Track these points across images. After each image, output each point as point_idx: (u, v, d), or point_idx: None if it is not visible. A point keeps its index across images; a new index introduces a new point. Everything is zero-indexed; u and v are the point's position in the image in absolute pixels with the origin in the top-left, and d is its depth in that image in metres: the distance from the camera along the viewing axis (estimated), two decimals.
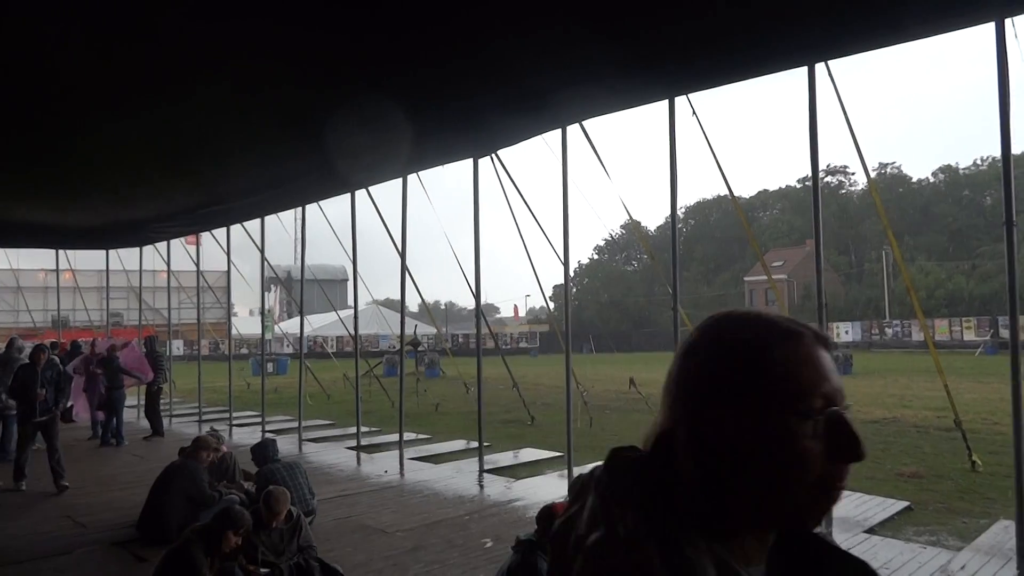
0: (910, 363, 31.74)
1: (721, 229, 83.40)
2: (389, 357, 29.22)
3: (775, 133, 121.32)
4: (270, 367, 29.57)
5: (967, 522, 7.03)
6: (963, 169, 75.97)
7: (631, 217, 11.54)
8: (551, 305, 38.20)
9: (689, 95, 8.02)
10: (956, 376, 20.12)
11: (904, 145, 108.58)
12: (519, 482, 9.16)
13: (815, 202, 7.15)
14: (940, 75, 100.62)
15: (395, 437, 11.89)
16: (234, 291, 18.58)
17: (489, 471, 9.84)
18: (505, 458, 10.90)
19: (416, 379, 22.15)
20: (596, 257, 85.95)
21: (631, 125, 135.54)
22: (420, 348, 28.48)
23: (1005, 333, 40.99)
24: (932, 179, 78.58)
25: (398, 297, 12.02)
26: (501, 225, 13.48)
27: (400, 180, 10.96)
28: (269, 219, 13.65)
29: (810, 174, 7.24)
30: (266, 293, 16.68)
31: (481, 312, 10.97)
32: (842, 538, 6.36)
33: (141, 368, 13.36)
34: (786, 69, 7.11)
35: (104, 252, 17.57)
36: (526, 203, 10.91)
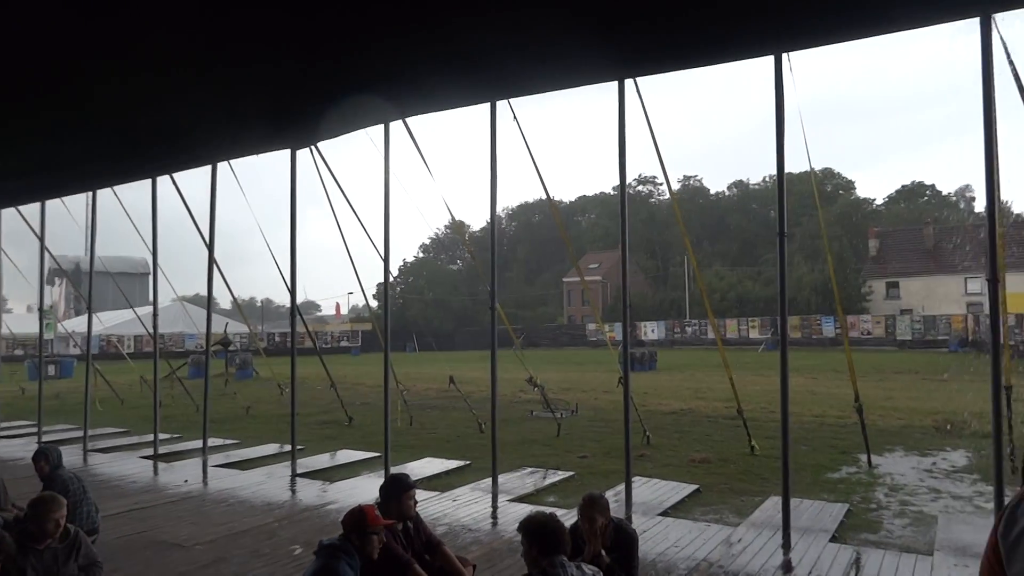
0: (706, 359, 34.92)
1: (543, 231, 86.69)
2: (195, 358, 27.18)
3: (595, 142, 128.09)
4: (51, 370, 26.40)
5: (745, 500, 7.85)
6: (753, 185, 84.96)
7: (453, 217, 11.66)
8: (373, 303, 37.39)
9: (510, 100, 8.25)
10: (742, 370, 22.41)
11: (705, 160, 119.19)
12: (335, 484, 8.91)
13: (622, 209, 7.64)
14: (737, 98, 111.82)
15: (199, 443, 11.08)
16: (7, 284, 16.34)
17: (302, 475, 9.47)
18: (321, 460, 10.55)
19: (225, 381, 20.82)
20: (421, 255, 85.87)
21: (458, 126, 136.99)
22: (231, 348, 26.78)
23: None
24: (727, 192, 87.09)
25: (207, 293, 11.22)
26: (324, 220, 13.06)
27: (209, 168, 10.24)
28: (51, 203, 12.18)
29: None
30: (48, 287, 14.82)
31: (297, 309, 10.53)
32: (639, 521, 6.84)
33: None
34: (597, 82, 7.53)
35: None
36: (347, 199, 10.67)
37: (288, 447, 10.52)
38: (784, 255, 6.72)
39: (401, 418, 13.71)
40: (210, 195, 10.32)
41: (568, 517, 6.83)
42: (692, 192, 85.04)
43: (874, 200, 76.10)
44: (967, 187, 77.76)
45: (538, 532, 3.49)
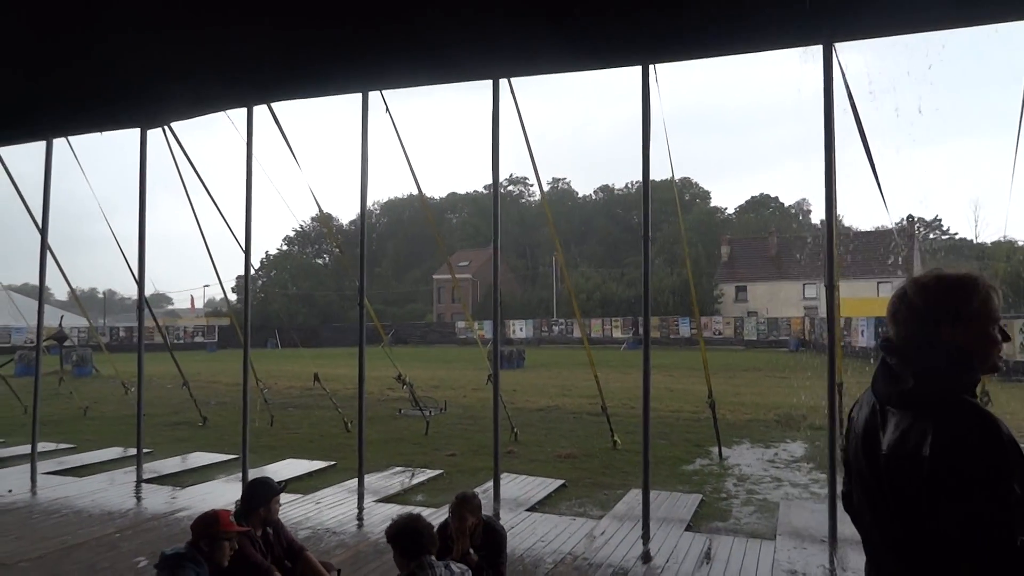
0: (572, 357, 35.95)
1: (413, 228, 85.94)
2: (24, 354, 24.61)
3: (467, 140, 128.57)
4: None
5: (608, 493, 8.12)
6: (617, 190, 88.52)
7: (321, 209, 11.25)
8: (232, 296, 35.51)
9: (383, 91, 8.05)
10: (606, 368, 23.24)
11: (573, 164, 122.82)
12: (186, 490, 8.33)
13: (495, 207, 7.67)
14: (605, 106, 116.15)
15: (26, 449, 10.01)
16: None
17: (149, 480, 8.79)
18: (171, 464, 9.85)
19: (60, 379, 18.99)
20: (286, 248, 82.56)
21: (327, 115, 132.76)
22: (67, 343, 24.47)
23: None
24: (594, 196, 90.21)
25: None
26: (177, 208, 12.19)
27: (43, 144, 9.27)
28: None
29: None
30: None
31: (145, 301, 9.76)
32: (508, 517, 6.89)
33: None
34: (470, 80, 7.54)
35: None
36: (204, 184, 9.98)
37: (133, 451, 9.72)
38: (648, 257, 7.00)
39: (261, 418, 13.08)
40: (44, 174, 9.35)
41: (436, 516, 6.78)
42: (560, 194, 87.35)
43: (726, 209, 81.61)
44: (804, 201, 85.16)
45: (401, 535, 3.41)
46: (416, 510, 7.29)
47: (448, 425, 13.32)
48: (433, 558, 3.39)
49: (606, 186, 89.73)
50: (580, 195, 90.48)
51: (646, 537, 6.33)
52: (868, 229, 57.93)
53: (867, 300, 37.99)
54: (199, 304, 76.71)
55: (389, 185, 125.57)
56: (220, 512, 3.81)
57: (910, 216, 57.19)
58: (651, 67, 6.92)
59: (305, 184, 9.69)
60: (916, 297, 1.76)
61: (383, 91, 8.00)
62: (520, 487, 8.17)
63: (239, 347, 9.14)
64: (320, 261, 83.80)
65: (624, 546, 6.05)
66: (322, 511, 7.23)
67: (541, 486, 8.23)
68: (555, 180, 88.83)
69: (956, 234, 69.15)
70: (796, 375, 24.08)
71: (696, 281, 50.37)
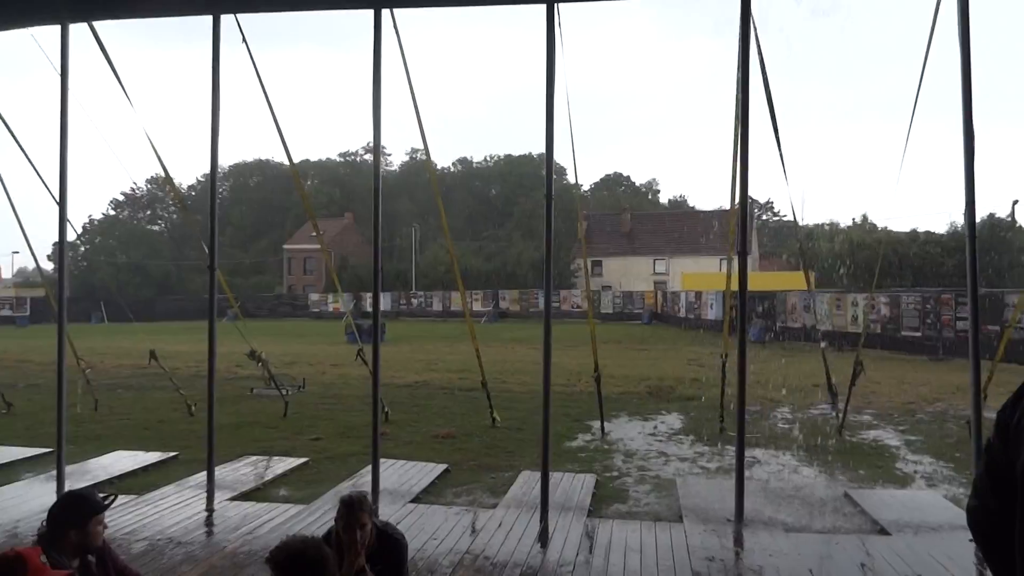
0: (433, 330, 35.23)
1: (261, 195, 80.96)
2: None
3: (317, 104, 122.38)
4: None
5: (496, 476, 7.48)
6: (476, 163, 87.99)
7: (165, 168, 9.48)
8: (48, 265, 31.35)
9: (238, 16, 6.75)
10: (468, 341, 22.69)
11: (430, 135, 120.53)
12: None
13: (376, 156, 6.72)
14: (464, 79, 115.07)
15: None
16: None
17: None
18: None
19: None
20: (113, 213, 74.85)
21: (164, 63, 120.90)
22: None
23: (503, 304, 49.02)
24: (452, 168, 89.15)
25: None
26: None
27: None
28: None
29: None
30: None
31: None
32: (391, 510, 6.06)
33: None
34: (349, 8, 6.48)
35: None
36: (5, 123, 8.11)
37: None
38: (551, 220, 6.36)
39: (84, 402, 11.24)
40: None
41: (305, 515, 5.83)
42: (418, 166, 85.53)
43: (582, 186, 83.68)
44: (654, 180, 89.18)
45: (296, 566, 2.52)
46: (291, 511, 6.25)
47: (309, 405, 12.14)
48: None
49: (464, 158, 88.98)
50: (438, 167, 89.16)
51: (546, 529, 5.73)
52: (710, 209, 61.52)
53: (713, 275, 40.11)
54: (7, 274, 67.97)
55: (234, 148, 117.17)
56: (26, 553, 2.68)
57: (749, 198, 61.19)
58: (555, 6, 6.26)
59: (141, 137, 8.14)
60: None
61: (238, 15, 6.72)
62: (399, 475, 7.33)
63: (55, 321, 7.54)
64: (155, 227, 76.92)
65: (527, 539, 5.42)
66: (162, 516, 6.00)
67: (422, 472, 7.44)
68: (413, 151, 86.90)
69: (784, 215, 75.03)
70: (655, 347, 24.82)
71: (554, 255, 51.19)
